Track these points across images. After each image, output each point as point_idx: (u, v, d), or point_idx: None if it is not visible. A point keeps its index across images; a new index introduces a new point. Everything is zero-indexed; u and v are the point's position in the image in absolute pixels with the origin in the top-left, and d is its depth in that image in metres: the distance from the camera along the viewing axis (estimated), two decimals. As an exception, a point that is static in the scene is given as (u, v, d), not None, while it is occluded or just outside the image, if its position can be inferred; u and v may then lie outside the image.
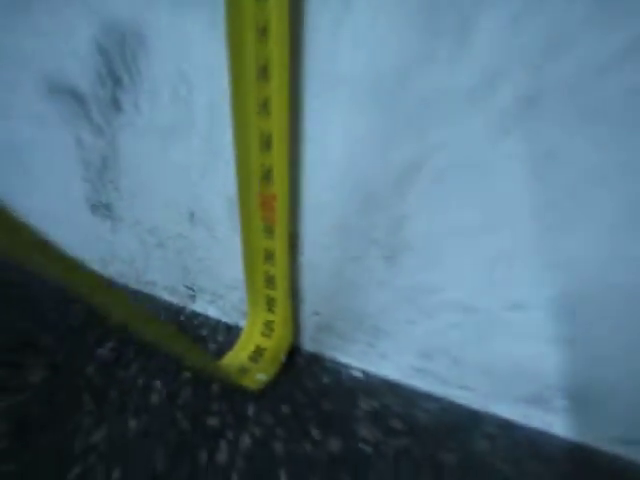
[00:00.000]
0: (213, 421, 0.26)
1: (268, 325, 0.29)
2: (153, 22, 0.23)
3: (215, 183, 0.26)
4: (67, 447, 0.24)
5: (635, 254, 0.18)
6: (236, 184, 0.23)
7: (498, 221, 0.20)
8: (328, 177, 0.23)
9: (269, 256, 0.26)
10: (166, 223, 0.30)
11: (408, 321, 0.25)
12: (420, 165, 0.20)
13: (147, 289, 0.36)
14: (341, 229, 0.24)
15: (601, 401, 0.23)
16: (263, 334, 0.29)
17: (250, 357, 0.28)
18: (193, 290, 0.34)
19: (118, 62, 0.25)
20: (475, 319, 0.23)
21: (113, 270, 0.37)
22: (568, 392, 0.24)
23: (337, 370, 0.30)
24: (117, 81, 0.26)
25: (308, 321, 0.29)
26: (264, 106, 0.21)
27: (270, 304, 0.28)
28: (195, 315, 0.35)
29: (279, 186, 0.23)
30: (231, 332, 0.33)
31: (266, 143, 0.22)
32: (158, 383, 0.28)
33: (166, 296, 0.35)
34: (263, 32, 0.19)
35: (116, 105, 0.27)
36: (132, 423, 0.26)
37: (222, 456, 0.24)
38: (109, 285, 0.15)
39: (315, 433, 0.25)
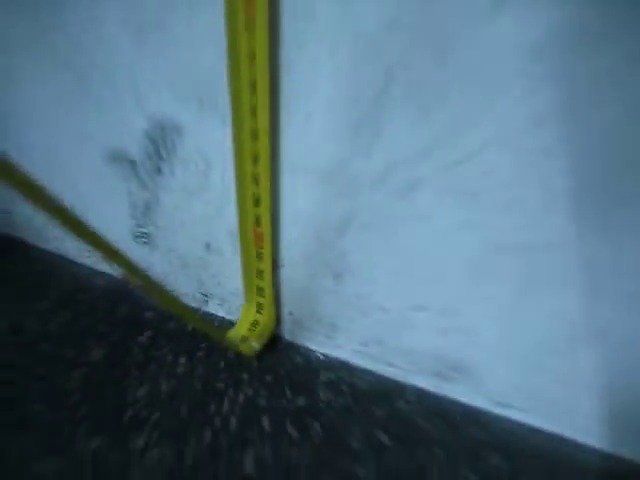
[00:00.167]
0: (219, 385, 0.38)
1: (260, 306, 0.41)
2: (186, 119, 0.36)
3: (223, 223, 0.39)
4: (122, 399, 0.36)
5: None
6: (238, 225, 0.36)
7: (403, 253, 0.33)
8: (296, 224, 0.35)
9: (259, 273, 0.39)
10: (189, 250, 0.43)
11: (351, 319, 0.38)
12: (351, 220, 0.33)
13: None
14: (306, 256, 0.37)
15: (482, 371, 0.35)
16: (257, 312, 0.41)
17: (249, 328, 0.40)
18: (207, 296, 0.46)
19: (160, 143, 0.38)
20: (392, 317, 0.36)
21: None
22: (459, 367, 0.36)
23: (306, 353, 0.42)
24: (159, 155, 0.39)
25: (286, 318, 0.42)
26: (255, 179, 0.34)
27: (260, 293, 0.40)
28: (208, 314, 0.47)
29: (265, 228, 0.36)
30: (233, 326, 0.45)
31: (256, 201, 0.35)
32: (182, 359, 0.41)
33: (187, 301, 0.48)
34: (254, 112, 0.31)
35: (158, 170, 0.40)
36: (164, 386, 0.38)
37: (225, 407, 0.36)
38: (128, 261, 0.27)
39: (288, 393, 0.37)
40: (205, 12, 0.30)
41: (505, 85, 0.24)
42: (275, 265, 0.39)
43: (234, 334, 0.40)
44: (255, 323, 0.41)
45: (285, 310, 0.41)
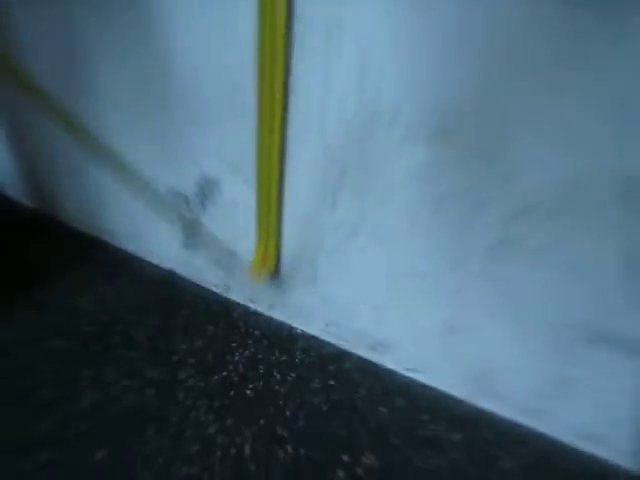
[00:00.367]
0: (234, 344, 0.60)
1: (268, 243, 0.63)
2: (223, 177, 0.58)
3: (246, 241, 0.61)
4: (165, 367, 0.59)
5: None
6: (255, 246, 0.58)
7: (352, 270, 0.54)
8: (292, 244, 0.57)
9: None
10: (219, 256, 0.65)
11: (319, 309, 0.60)
12: (319, 249, 0.55)
13: (205, 285, 0.71)
14: (297, 269, 0.59)
15: (398, 347, 0.57)
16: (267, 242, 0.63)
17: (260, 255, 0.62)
18: (228, 286, 0.69)
19: (205, 189, 0.60)
20: (344, 309, 0.57)
21: (196, 278, 0.72)
22: (384, 344, 0.57)
23: (290, 329, 0.64)
24: (204, 195, 0.61)
25: (279, 306, 0.64)
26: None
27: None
28: (230, 300, 0.70)
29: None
30: (247, 309, 0.68)
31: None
32: (210, 327, 0.63)
33: (213, 288, 0.70)
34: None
35: (202, 205, 0.62)
36: (199, 342, 0.60)
37: (236, 358, 0.58)
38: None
39: (276, 352, 0.60)
40: (237, 119, 0.52)
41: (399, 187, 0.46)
42: (278, 263, 0.61)
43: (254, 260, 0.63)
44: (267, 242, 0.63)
45: (281, 299, 0.64)
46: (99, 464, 0.44)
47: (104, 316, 0.64)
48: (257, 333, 0.63)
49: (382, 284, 0.53)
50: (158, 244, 0.72)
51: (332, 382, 0.56)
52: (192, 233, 0.66)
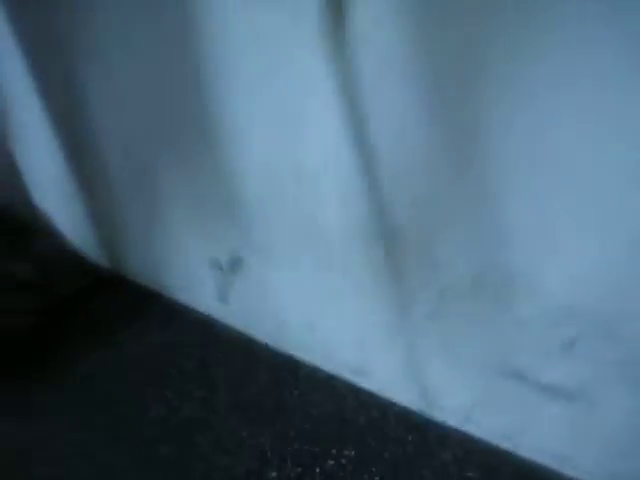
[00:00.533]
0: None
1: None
2: (247, 259, 0.89)
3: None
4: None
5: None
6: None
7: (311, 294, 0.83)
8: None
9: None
10: (240, 293, 0.95)
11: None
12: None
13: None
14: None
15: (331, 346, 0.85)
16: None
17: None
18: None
19: (235, 266, 0.91)
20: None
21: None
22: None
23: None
24: (235, 265, 0.91)
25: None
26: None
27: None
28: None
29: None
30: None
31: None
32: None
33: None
34: None
35: (233, 270, 0.92)
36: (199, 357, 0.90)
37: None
38: None
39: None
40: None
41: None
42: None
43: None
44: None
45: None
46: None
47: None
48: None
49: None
50: (189, 285, 1.03)
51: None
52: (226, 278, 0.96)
